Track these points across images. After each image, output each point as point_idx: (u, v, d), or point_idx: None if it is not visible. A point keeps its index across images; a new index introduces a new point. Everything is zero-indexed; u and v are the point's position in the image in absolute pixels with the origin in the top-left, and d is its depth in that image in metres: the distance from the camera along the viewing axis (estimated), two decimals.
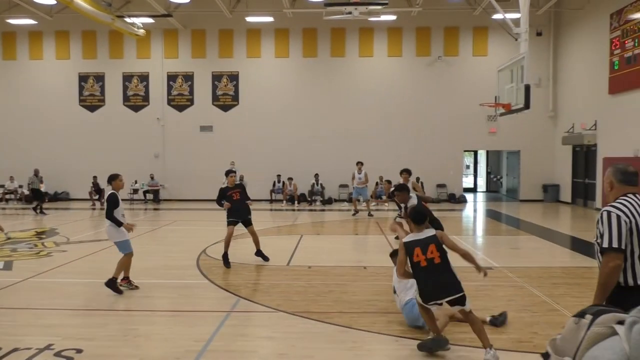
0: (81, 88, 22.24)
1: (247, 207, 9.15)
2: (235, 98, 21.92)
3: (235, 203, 8.97)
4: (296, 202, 20.49)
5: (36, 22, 21.34)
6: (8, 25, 21.63)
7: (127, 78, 22.11)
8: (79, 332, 5.58)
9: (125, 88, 22.12)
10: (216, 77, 21.91)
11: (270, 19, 20.70)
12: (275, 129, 21.70)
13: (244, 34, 21.74)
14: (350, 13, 16.59)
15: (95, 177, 20.43)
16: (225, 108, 21.95)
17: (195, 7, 20.14)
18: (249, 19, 20.61)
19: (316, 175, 20.90)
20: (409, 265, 4.75)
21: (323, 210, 18.62)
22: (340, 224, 14.68)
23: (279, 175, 21.18)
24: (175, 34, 21.89)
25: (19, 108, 22.29)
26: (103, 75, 22.18)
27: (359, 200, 16.58)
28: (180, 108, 22.05)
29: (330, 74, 21.61)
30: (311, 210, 18.63)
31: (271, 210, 18.71)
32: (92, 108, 22.26)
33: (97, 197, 20.08)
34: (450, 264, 4.71)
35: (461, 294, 4.59)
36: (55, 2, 18.97)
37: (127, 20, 18.39)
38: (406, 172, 10.64)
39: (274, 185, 21.21)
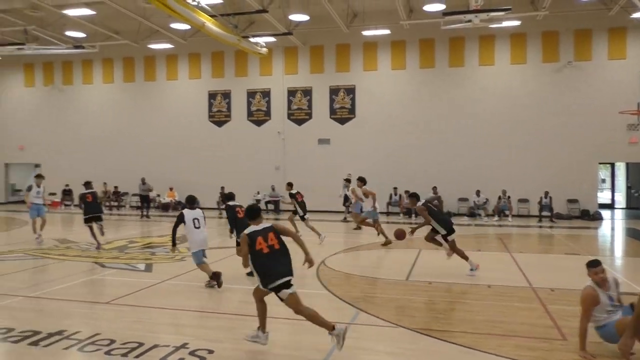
0: (210, 105, 23.94)
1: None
2: (352, 111, 22.19)
3: None
4: (413, 215, 20.13)
5: (172, 46, 23.41)
6: (149, 50, 23.98)
7: (250, 94, 23.39)
8: (209, 334, 5.91)
9: (249, 104, 23.41)
10: (333, 91, 22.37)
11: (386, 31, 20.73)
12: (391, 141, 21.59)
13: (360, 48, 21.99)
14: (470, 21, 16.07)
15: (222, 188, 21.78)
16: (342, 121, 22.29)
17: (314, 24, 20.79)
18: (366, 32, 20.81)
19: (434, 188, 20.38)
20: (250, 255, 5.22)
21: None
22: (459, 239, 14.09)
23: (395, 188, 20.98)
24: (295, 51, 22.76)
25: (157, 124, 24.53)
26: (229, 93, 23.69)
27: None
28: (300, 122, 22.80)
29: (448, 84, 21.06)
30: None
31: (387, 223, 18.55)
32: (219, 123, 23.83)
33: (224, 207, 21.32)
34: (288, 250, 5.29)
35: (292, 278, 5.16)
36: (189, 27, 20.69)
37: (252, 40, 19.47)
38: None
39: (390, 198, 21.05)
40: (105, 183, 23.82)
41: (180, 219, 8.28)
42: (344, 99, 22.23)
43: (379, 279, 8.88)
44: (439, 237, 9.38)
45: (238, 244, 8.44)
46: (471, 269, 9.25)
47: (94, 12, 19.02)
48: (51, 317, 6.72)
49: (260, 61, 22.93)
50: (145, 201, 20.64)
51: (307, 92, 22.71)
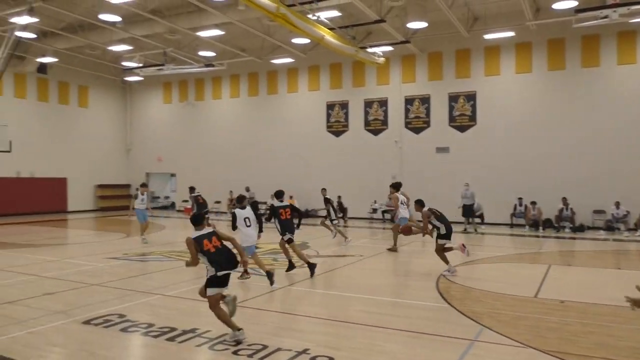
0: (328, 115, 24.48)
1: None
2: (473, 118, 21.37)
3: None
4: (540, 227, 18.80)
5: (293, 60, 24.35)
6: (271, 65, 25.20)
7: (368, 104, 23.54)
8: (328, 341, 5.98)
9: (366, 113, 23.56)
10: (452, 98, 21.73)
11: (510, 33, 19.71)
12: (516, 148, 20.41)
13: (481, 53, 21.15)
14: (606, 17, 14.72)
15: (339, 197, 22.12)
16: (462, 129, 21.55)
17: (432, 30, 20.41)
18: (487, 36, 19.97)
19: (564, 199, 18.88)
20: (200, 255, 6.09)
21: (573, 238, 16.67)
22: (595, 255, 12.91)
23: (520, 199, 19.77)
24: (412, 59, 22.51)
25: (278, 134, 25.62)
26: (347, 103, 24.05)
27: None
28: (417, 130, 22.45)
29: (581, 87, 19.43)
30: (558, 237, 16.86)
31: (511, 235, 17.54)
32: (337, 133, 24.28)
33: (341, 215, 21.64)
34: (227, 246, 6.24)
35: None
36: (309, 41, 21.40)
37: (369, 50, 19.62)
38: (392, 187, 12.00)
39: (514, 208, 19.88)
40: (231, 191, 25.33)
41: (234, 218, 9.34)
42: (464, 105, 21.50)
43: (503, 294, 8.39)
44: (446, 244, 10.16)
45: (289, 241, 10.01)
46: (448, 270, 9.95)
47: (223, 32, 20.44)
48: (185, 315, 7.26)
49: (377, 71, 23.00)
50: (254, 209, 21.55)
51: (425, 100, 22.31)
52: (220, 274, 6.06)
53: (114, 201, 28.51)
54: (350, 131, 23.95)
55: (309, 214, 23.42)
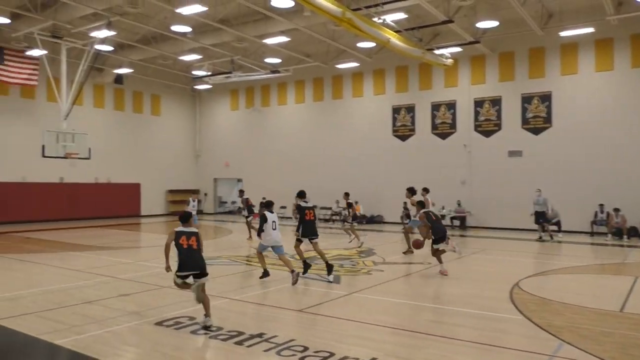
0: (394, 119, 24.24)
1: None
2: (548, 120, 20.43)
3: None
4: (625, 236, 17.64)
5: (358, 64, 24.34)
6: (336, 69, 25.31)
7: (435, 107, 23.09)
8: (397, 350, 5.87)
9: (433, 117, 23.12)
10: (526, 99, 20.89)
11: (589, 29, 18.69)
12: (594, 151, 19.28)
13: (556, 51, 20.20)
14: None
15: (405, 203, 21.80)
16: (536, 131, 20.65)
17: (504, 29, 19.73)
18: (564, 33, 19.04)
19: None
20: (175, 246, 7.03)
21: None
22: None
23: (601, 205, 18.65)
24: (482, 60, 21.87)
25: (343, 140, 25.66)
26: (413, 107, 23.71)
27: None
28: (487, 133, 21.76)
29: None
30: None
31: (592, 244, 16.57)
32: (403, 137, 23.98)
33: (407, 221, 21.32)
34: (202, 251, 7.13)
35: (205, 273, 7.02)
36: (374, 44, 21.32)
37: (436, 52, 19.26)
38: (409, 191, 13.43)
39: (595, 215, 18.78)
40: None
41: (265, 219, 10.02)
42: (538, 107, 20.59)
43: (585, 307, 7.91)
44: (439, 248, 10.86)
45: (299, 241, 10.62)
46: (440, 271, 10.76)
47: (288, 39, 20.77)
48: (253, 319, 7.38)
49: (444, 73, 22.53)
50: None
51: (496, 102, 21.58)
52: (178, 273, 7.03)
53: (183, 206, 29.48)
54: (416, 135, 23.59)
55: (374, 220, 23.27)
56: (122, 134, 28.01)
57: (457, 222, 21.70)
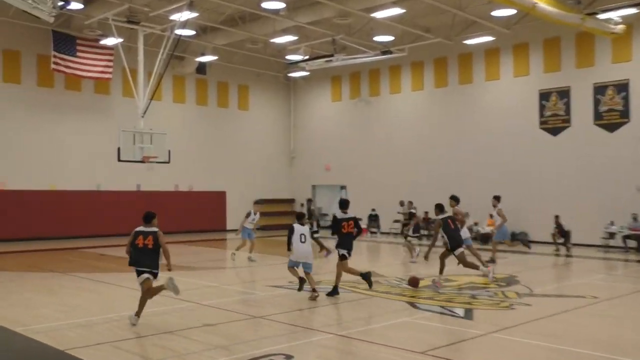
0: (542, 107, 23.13)
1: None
2: None
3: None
4: None
5: (492, 39, 23.56)
6: (464, 47, 24.67)
7: (599, 90, 21.70)
8: None
9: (596, 103, 21.74)
10: None
11: None
12: None
13: None
14: None
15: (557, 217, 20.69)
16: None
17: None
18: None
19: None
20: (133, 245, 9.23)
21: None
22: None
23: None
24: None
25: (472, 135, 24.93)
26: (568, 90, 22.48)
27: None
28: None
29: None
30: None
31: None
32: (554, 131, 22.81)
33: (561, 240, 20.24)
34: (159, 253, 9.19)
35: (155, 272, 9.15)
36: (514, 11, 20.51)
37: (600, 16, 18.10)
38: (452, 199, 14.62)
39: None
40: (412, 207, 25.27)
41: (292, 231, 11.25)
42: None
43: None
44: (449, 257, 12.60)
45: (342, 257, 11.51)
46: (484, 275, 12.86)
47: (403, 11, 20.61)
48: None
49: (612, 44, 21.11)
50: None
51: None
52: (135, 267, 9.15)
53: (276, 219, 30.39)
54: (572, 127, 22.35)
55: (517, 238, 22.34)
56: (205, 133, 29.43)
57: (632, 243, 20.15)
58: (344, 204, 11.88)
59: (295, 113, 32.84)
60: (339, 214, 11.65)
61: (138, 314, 9.06)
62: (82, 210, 25.14)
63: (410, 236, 18.11)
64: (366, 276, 11.51)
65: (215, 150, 29.71)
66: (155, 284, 9.22)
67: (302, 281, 11.43)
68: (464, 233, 13.96)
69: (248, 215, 17.86)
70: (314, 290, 11.11)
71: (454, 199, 14.70)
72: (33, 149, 24.00)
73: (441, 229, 12.39)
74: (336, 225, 11.52)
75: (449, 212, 13.27)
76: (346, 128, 30.07)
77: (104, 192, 25.76)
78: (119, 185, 26.08)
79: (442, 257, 12.69)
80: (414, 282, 12.41)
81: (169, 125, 25.10)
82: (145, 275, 9.07)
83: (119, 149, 19.74)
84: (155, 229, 9.28)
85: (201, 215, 28.71)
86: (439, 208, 12.74)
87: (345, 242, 11.45)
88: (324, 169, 31.07)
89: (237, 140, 30.64)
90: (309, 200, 20.36)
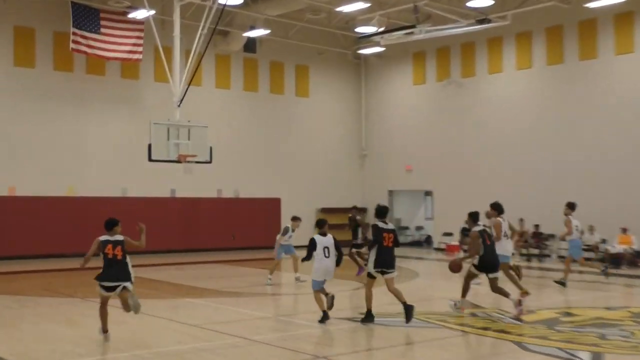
0: None
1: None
2: None
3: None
4: None
5: (624, 0, 22.74)
6: (585, 11, 23.94)
7: None
8: None
9: None
10: None
11: None
12: None
13: None
14: None
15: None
16: None
17: None
18: None
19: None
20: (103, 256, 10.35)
21: None
22: None
23: None
24: None
25: (596, 125, 24.19)
26: None
27: None
28: None
29: None
30: None
31: None
32: None
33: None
34: (128, 263, 10.42)
35: (128, 282, 10.33)
36: None
37: None
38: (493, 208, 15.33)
39: None
40: (521, 219, 24.73)
41: (314, 245, 11.83)
42: None
43: None
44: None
45: (370, 276, 11.93)
46: (455, 303, 13.11)
47: None
48: None
49: None
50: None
51: None
52: (103, 283, 10.21)
53: (344, 233, 30.13)
54: None
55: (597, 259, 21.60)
56: (255, 126, 29.74)
57: None
58: (382, 212, 12.18)
59: (367, 100, 32.79)
60: (381, 224, 11.94)
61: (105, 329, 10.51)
62: (103, 220, 25.39)
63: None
64: (409, 309, 11.63)
65: (267, 147, 29.96)
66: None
67: (331, 298, 12.08)
68: (503, 248, 14.43)
69: (285, 232, 18.20)
70: (324, 311, 11.94)
71: (496, 208, 15.23)
72: (47, 146, 24.75)
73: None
74: (378, 237, 11.76)
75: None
76: (432, 118, 29.82)
77: (131, 199, 26.25)
78: (150, 190, 26.59)
79: (468, 278, 13.19)
80: (455, 267, 13.22)
81: (210, 116, 25.44)
82: (121, 286, 10.20)
83: (149, 145, 20.04)
84: (120, 237, 10.46)
85: (250, 227, 28.79)
86: (473, 218, 13.21)
87: (385, 258, 11.79)
88: (403, 170, 30.91)
89: (294, 135, 30.82)
90: (356, 209, 20.62)
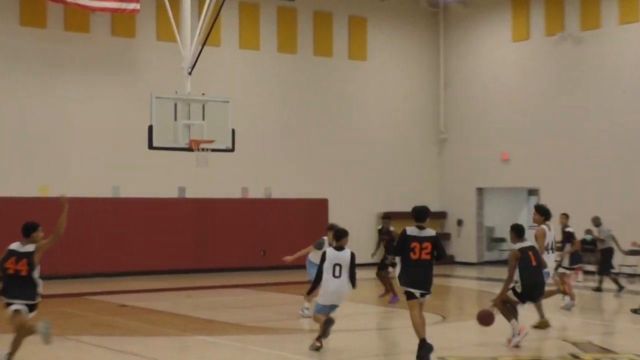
0: None
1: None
2: None
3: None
4: None
5: None
6: None
7: None
8: None
9: None
10: None
11: None
12: None
13: None
14: None
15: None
16: None
17: None
18: None
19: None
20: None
21: None
22: None
23: None
24: None
25: None
26: None
27: None
28: None
29: None
30: None
31: None
32: None
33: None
34: (36, 281, 11.05)
35: (29, 303, 10.91)
36: None
37: None
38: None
39: None
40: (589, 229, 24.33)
41: (323, 259, 12.85)
42: None
43: None
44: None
45: (408, 296, 12.24)
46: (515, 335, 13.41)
47: None
48: None
49: None
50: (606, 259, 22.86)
51: None
52: (5, 299, 10.72)
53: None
54: None
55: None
56: (293, 100, 29.71)
57: None
58: (421, 215, 12.37)
59: (447, 64, 32.65)
60: (412, 230, 12.11)
61: (11, 355, 10.84)
62: (88, 231, 25.54)
63: (567, 268, 19.97)
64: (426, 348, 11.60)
65: (309, 130, 29.97)
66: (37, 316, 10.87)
67: (328, 323, 12.71)
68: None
69: (320, 245, 18.00)
70: (318, 337, 12.70)
71: (541, 212, 16.36)
72: (9, 130, 24.84)
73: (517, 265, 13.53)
74: (405, 246, 11.98)
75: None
76: (538, 87, 29.59)
77: (124, 201, 26.46)
78: (150, 189, 26.66)
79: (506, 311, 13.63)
80: (484, 318, 13.58)
81: (232, 88, 25.47)
82: (15, 307, 10.66)
83: (150, 128, 19.89)
84: (31, 248, 10.95)
85: (286, 240, 28.22)
86: (517, 232, 14.12)
87: (416, 276, 12.00)
88: (498, 159, 30.72)
89: (346, 112, 30.77)
90: (386, 218, 20.62)
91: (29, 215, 23.87)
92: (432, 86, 32.65)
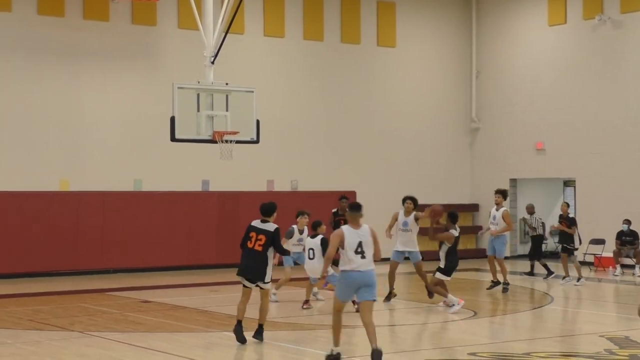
0: None
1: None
2: None
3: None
4: None
5: None
6: None
7: None
8: None
9: None
10: None
11: None
12: None
13: None
14: None
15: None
16: None
17: None
18: None
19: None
20: None
21: None
22: None
23: None
24: None
25: None
26: None
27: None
28: None
29: None
30: None
31: None
32: None
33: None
34: None
35: None
36: None
37: None
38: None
39: None
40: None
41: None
42: None
43: None
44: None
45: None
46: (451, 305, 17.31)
47: None
48: None
49: None
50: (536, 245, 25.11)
51: None
52: None
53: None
54: None
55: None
56: (320, 89, 29.81)
57: None
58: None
59: (479, 49, 32.65)
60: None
61: None
62: (109, 226, 25.93)
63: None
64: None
65: (336, 120, 30.05)
66: None
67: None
68: None
69: (291, 235, 18.91)
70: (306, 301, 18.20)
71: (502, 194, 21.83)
72: (27, 123, 25.10)
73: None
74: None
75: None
76: (575, 73, 29.53)
77: (146, 194, 26.68)
78: (173, 183, 26.90)
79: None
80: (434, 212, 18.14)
81: (257, 77, 25.53)
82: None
83: (172, 119, 20.02)
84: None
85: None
86: (452, 218, 18.34)
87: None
88: (533, 149, 30.69)
89: (374, 101, 30.87)
90: (343, 198, 20.89)
91: (50, 209, 24.61)
92: (463, 73, 32.68)
